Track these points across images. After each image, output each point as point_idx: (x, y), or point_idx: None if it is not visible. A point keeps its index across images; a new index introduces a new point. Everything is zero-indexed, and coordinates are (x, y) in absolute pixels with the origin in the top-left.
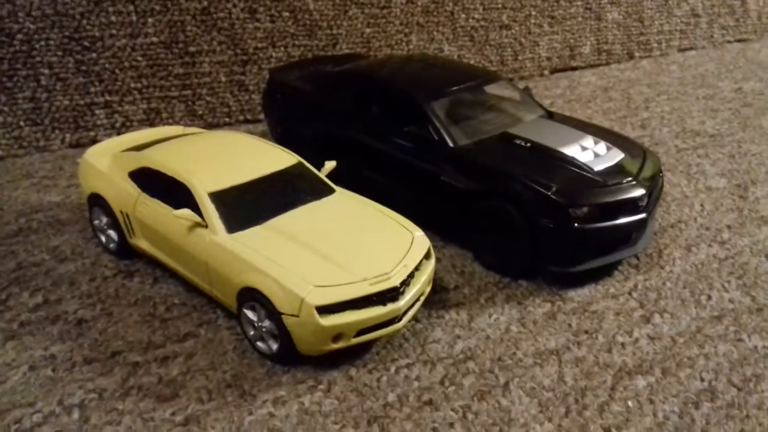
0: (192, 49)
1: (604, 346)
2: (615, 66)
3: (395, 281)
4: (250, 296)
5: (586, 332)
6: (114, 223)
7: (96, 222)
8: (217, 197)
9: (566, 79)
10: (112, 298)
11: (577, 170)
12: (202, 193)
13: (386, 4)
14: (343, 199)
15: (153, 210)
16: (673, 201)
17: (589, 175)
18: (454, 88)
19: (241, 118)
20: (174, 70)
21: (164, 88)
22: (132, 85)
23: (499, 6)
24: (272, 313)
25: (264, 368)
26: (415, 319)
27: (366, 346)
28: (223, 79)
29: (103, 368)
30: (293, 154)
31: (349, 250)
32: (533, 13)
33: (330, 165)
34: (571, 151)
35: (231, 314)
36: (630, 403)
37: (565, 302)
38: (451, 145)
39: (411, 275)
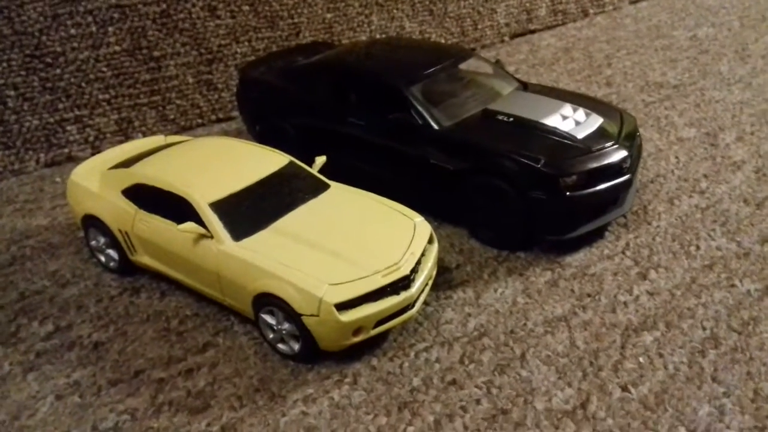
0: (156, 53)
1: (607, 307)
2: (572, 25)
3: (405, 270)
4: (267, 301)
5: (589, 295)
6: (113, 242)
7: (93, 243)
8: (218, 207)
9: (526, 43)
10: (123, 317)
11: (561, 140)
12: (202, 204)
13: None
14: (339, 193)
15: (154, 226)
16: (649, 156)
17: (573, 143)
18: (431, 70)
19: (213, 117)
20: (141, 77)
21: (133, 96)
22: (100, 96)
23: None
24: (291, 315)
25: (288, 369)
26: (425, 303)
27: (384, 335)
28: (191, 80)
29: (129, 388)
30: (283, 154)
31: (356, 244)
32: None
33: (320, 160)
34: (553, 121)
35: (246, 320)
36: (641, 359)
37: (564, 268)
38: (435, 127)
39: (418, 261)
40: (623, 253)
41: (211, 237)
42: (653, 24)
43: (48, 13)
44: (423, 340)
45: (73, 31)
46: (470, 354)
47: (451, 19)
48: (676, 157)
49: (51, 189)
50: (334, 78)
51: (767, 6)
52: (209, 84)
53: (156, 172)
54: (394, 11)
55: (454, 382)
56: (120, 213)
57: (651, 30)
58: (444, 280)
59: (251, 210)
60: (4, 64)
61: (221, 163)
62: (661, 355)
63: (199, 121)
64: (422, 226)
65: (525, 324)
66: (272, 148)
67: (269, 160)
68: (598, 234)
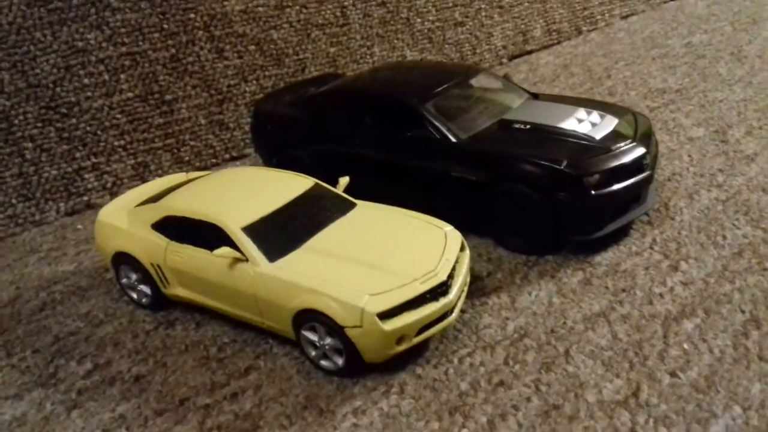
0: (168, 97)
1: (644, 300)
2: (567, 43)
3: (443, 276)
4: (307, 318)
5: (624, 290)
6: (145, 278)
7: (124, 281)
8: (251, 230)
9: (525, 63)
10: (161, 349)
11: (580, 141)
12: (235, 229)
13: (345, 22)
14: (367, 210)
15: (187, 256)
16: (662, 157)
17: (592, 144)
18: (442, 87)
19: (227, 156)
20: (154, 121)
21: (148, 140)
22: (116, 143)
23: (450, 5)
24: (334, 329)
25: (333, 384)
26: (461, 310)
27: (425, 345)
28: (203, 121)
29: (176, 417)
30: (307, 177)
31: (390, 255)
32: (482, 6)
33: (344, 181)
34: (570, 125)
35: (285, 341)
36: (686, 346)
37: (595, 267)
38: (453, 140)
39: (453, 268)
40: (651, 248)
41: (246, 260)
42: (647, 35)
43: (61, 65)
44: (465, 346)
45: (86, 81)
46: (513, 355)
47: (450, 45)
48: (689, 156)
49: (74, 236)
50: (347, 103)
51: (755, 10)
52: (221, 124)
53: (185, 203)
54: (395, 41)
55: (501, 383)
56: (151, 247)
57: (645, 41)
58: (477, 288)
59: (283, 231)
60: (21, 117)
61: (248, 190)
62: (704, 341)
63: (213, 160)
64: (453, 235)
65: (564, 322)
66: (295, 173)
67: (294, 183)
68: (623, 233)
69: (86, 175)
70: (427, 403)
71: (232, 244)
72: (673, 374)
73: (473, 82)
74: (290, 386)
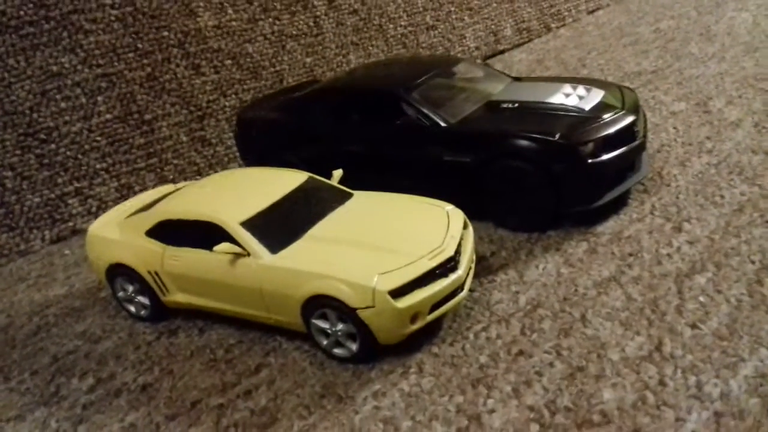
0: (147, 116)
1: (653, 261)
2: (538, 40)
3: (450, 251)
4: (317, 305)
5: (631, 255)
6: (142, 288)
7: (121, 294)
8: (249, 224)
9: (499, 62)
10: (166, 357)
11: (570, 114)
12: (233, 225)
13: (319, 31)
14: (365, 197)
15: (185, 259)
16: (648, 132)
17: (582, 115)
18: (425, 76)
19: (211, 172)
20: (135, 141)
21: (130, 161)
22: (98, 166)
23: (420, 9)
24: (345, 313)
25: (349, 371)
26: (470, 289)
27: (438, 324)
28: (185, 138)
29: (189, 419)
30: (300, 171)
31: (395, 236)
32: (452, 9)
33: (338, 173)
34: (557, 99)
35: (293, 336)
36: (702, 299)
37: (599, 236)
38: (443, 125)
39: (459, 244)
40: (651, 213)
41: (248, 254)
42: (615, 26)
43: (36, 90)
44: (478, 322)
45: (63, 105)
46: (529, 325)
47: (424, 49)
48: (675, 128)
49: (61, 261)
50: (332, 102)
51: None
52: (203, 140)
53: (179, 206)
54: (369, 48)
55: (521, 352)
56: (147, 254)
57: (615, 31)
58: (483, 267)
59: (282, 224)
60: None
61: (242, 188)
62: (719, 292)
63: (197, 177)
64: (455, 213)
65: (576, 290)
66: (288, 169)
67: (288, 178)
68: (622, 202)
69: (70, 201)
70: (448, 379)
71: (232, 241)
72: (693, 326)
73: (455, 70)
74: (305, 378)
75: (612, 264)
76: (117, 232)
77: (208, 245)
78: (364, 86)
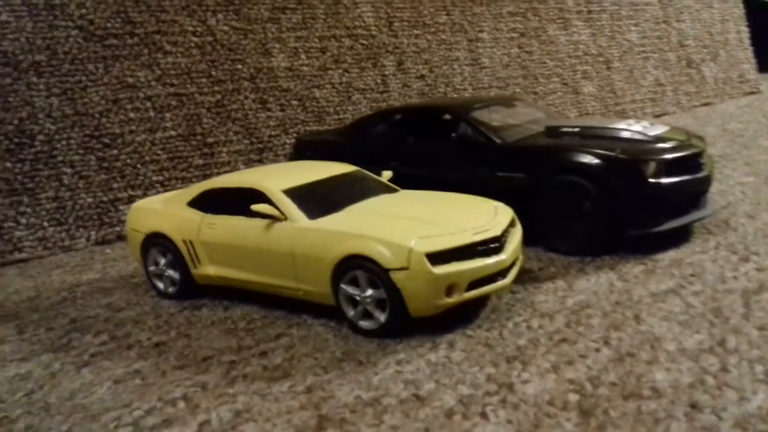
0: (210, 140)
1: (717, 281)
2: None
3: (496, 232)
4: (350, 265)
5: (692, 275)
6: (175, 261)
7: (152, 268)
8: (291, 193)
9: None
10: (185, 325)
11: (633, 137)
12: (275, 191)
13: (385, 89)
14: (412, 191)
15: (221, 226)
16: (714, 194)
17: (646, 138)
18: (486, 102)
19: None
20: (194, 161)
21: (185, 179)
22: (154, 178)
23: (486, 86)
24: (378, 275)
25: (374, 343)
26: (512, 291)
27: (475, 311)
28: (242, 167)
29: (197, 369)
30: (350, 165)
31: (438, 213)
32: (518, 90)
33: (387, 174)
34: (620, 125)
35: (319, 314)
36: None
37: (657, 262)
38: (498, 141)
39: (506, 232)
40: (716, 249)
41: (285, 219)
42: (681, 126)
43: (109, 97)
44: (519, 315)
45: (132, 115)
46: (576, 321)
47: None
48: (743, 192)
49: (101, 257)
50: (389, 123)
51: None
52: None
53: (224, 178)
54: None
55: (564, 340)
56: (185, 222)
57: None
58: (529, 277)
59: (323, 198)
60: (64, 143)
61: (290, 169)
62: None
63: None
64: (503, 208)
65: (630, 297)
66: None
67: (337, 166)
68: (683, 238)
69: (121, 207)
70: (481, 355)
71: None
72: (762, 328)
73: (516, 104)
74: (325, 346)
75: (671, 281)
76: (160, 205)
77: (247, 213)
78: (423, 106)
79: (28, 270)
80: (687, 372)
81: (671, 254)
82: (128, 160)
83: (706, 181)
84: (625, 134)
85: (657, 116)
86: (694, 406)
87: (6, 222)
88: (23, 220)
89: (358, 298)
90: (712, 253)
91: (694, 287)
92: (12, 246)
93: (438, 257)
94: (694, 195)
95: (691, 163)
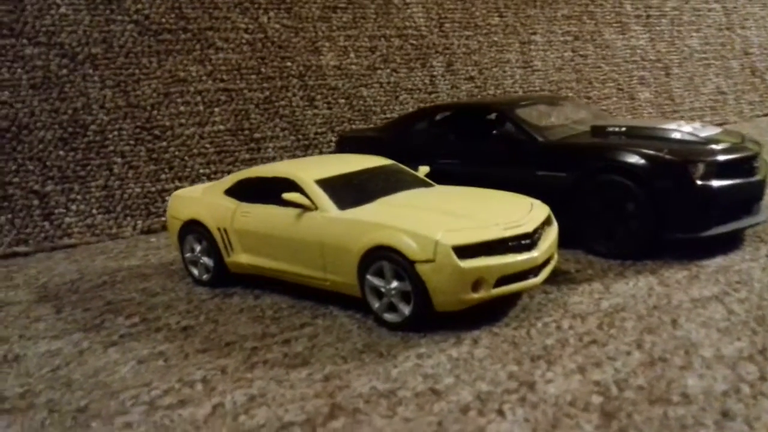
0: (257, 135)
1: (765, 290)
2: None
3: (528, 228)
4: (375, 257)
5: (738, 283)
6: (209, 248)
7: (188, 255)
8: (323, 183)
9: None
10: (215, 311)
11: (683, 138)
12: (308, 181)
13: (433, 90)
14: (447, 186)
15: (254, 214)
16: None
17: (696, 139)
18: (530, 100)
19: None
20: (240, 155)
21: (231, 173)
22: (201, 171)
23: (537, 88)
24: (404, 266)
25: (397, 336)
26: (546, 291)
27: (503, 309)
28: None
29: (220, 354)
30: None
31: (470, 207)
32: (570, 95)
33: (424, 169)
34: (669, 127)
35: (345, 305)
36: None
37: (703, 267)
38: (540, 140)
39: (540, 228)
40: (767, 257)
41: (316, 208)
42: None
43: (161, 90)
44: (549, 315)
45: (182, 109)
46: (609, 323)
47: None
48: None
49: (145, 245)
50: (431, 120)
51: None
52: None
53: (261, 168)
54: None
55: (594, 341)
56: (220, 210)
57: None
58: (565, 278)
59: (356, 189)
60: (115, 133)
61: (326, 161)
62: None
63: None
64: (539, 205)
65: (669, 302)
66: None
67: (372, 159)
68: (732, 245)
69: (167, 197)
70: (505, 352)
71: (305, 196)
72: None
73: (562, 103)
74: (347, 337)
75: (715, 287)
76: (199, 193)
77: (280, 203)
78: (466, 104)
79: (74, 255)
80: (722, 379)
81: (718, 261)
82: (176, 153)
83: (760, 186)
84: (675, 135)
85: (717, 125)
86: (725, 414)
87: (57, 208)
88: (73, 207)
89: (383, 289)
90: (762, 261)
91: (739, 294)
92: (62, 231)
93: (465, 251)
94: (746, 200)
95: (744, 166)
